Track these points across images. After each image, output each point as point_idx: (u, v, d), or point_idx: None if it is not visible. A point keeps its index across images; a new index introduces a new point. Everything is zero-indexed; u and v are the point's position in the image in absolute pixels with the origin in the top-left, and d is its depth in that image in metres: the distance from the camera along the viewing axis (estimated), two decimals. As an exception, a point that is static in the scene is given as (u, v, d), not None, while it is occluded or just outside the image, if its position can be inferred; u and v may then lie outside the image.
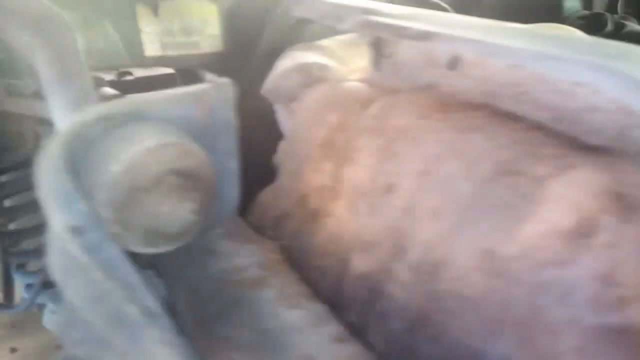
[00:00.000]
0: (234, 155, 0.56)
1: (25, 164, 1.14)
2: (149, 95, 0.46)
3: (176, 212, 0.43)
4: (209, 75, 0.52)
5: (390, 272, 0.42)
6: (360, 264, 0.45)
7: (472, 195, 0.38)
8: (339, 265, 0.48)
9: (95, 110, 0.43)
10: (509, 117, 0.43)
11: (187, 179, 0.45)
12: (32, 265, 1.29)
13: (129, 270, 0.36)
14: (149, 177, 0.44)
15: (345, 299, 0.46)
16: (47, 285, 1.20)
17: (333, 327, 0.37)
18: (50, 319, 1.37)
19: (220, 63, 1.34)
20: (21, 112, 1.03)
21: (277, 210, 0.61)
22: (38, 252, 1.25)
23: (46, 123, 1.07)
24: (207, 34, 1.23)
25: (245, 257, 0.48)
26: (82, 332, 0.42)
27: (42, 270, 1.20)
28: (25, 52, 0.80)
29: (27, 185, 1.15)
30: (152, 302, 0.35)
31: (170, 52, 1.24)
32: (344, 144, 0.52)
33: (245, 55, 1.29)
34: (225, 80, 0.52)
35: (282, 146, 0.77)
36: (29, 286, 1.30)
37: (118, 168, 0.43)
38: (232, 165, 0.56)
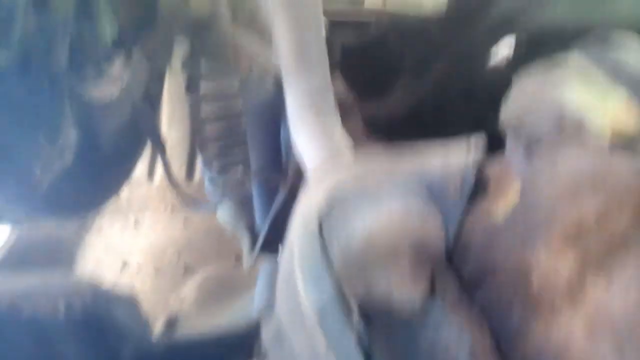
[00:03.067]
0: (461, 207, 0.52)
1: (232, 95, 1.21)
2: (406, 160, 0.44)
3: (405, 291, 0.42)
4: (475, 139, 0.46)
5: None
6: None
7: None
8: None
9: (353, 176, 0.41)
10: None
11: (423, 252, 0.43)
12: (217, 165, 1.41)
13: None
14: (388, 245, 0.43)
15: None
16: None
17: None
18: (223, 213, 1.53)
19: (440, 27, 1.24)
20: (241, 42, 1.06)
21: (483, 261, 0.57)
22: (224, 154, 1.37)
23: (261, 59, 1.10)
24: (433, -5, 1.13)
25: (453, 332, 0.47)
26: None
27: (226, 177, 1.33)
28: (269, 8, 0.79)
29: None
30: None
31: (390, 8, 1.17)
32: (601, 246, 0.46)
33: (470, 23, 1.17)
34: (481, 139, 0.46)
35: (505, 176, 0.70)
36: (211, 180, 1.44)
37: (359, 232, 0.42)
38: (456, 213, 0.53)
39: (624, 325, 0.40)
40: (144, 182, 1.84)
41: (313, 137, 0.54)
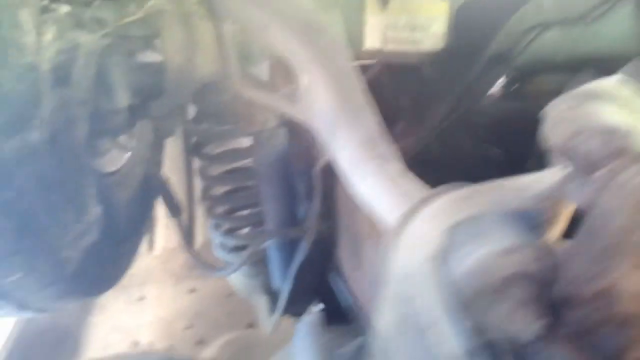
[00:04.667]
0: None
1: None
2: (508, 191, 0.44)
3: (521, 322, 0.41)
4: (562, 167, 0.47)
5: None
6: None
7: None
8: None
9: (461, 211, 0.41)
10: None
11: (535, 285, 0.43)
12: (228, 227, 1.38)
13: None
14: (497, 280, 0.42)
15: None
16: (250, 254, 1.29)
17: None
18: (237, 276, 1.49)
19: (439, 62, 1.29)
20: (253, 99, 1.07)
21: (564, 289, 0.57)
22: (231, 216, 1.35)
23: (275, 114, 1.11)
24: (432, 31, 1.18)
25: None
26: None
27: (249, 241, 1.30)
28: (296, 65, 0.80)
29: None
30: None
31: (390, 47, 1.22)
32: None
33: (469, 56, 1.22)
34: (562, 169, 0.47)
35: (558, 202, 0.71)
36: (221, 243, 1.41)
37: (467, 267, 0.41)
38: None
39: None
40: (144, 254, 1.78)
41: (382, 186, 0.54)
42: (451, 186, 0.47)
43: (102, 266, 1.02)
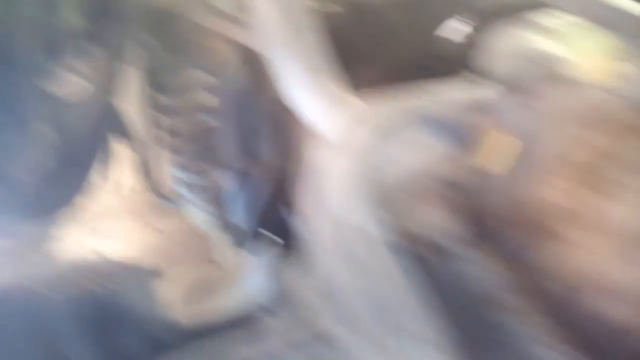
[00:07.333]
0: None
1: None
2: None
3: (445, 226, 0.43)
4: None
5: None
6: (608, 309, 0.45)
7: None
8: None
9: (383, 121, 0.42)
10: None
11: (458, 193, 0.45)
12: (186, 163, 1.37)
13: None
14: (428, 185, 0.44)
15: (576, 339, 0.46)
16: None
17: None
18: (198, 216, 1.49)
19: (407, 5, 1.27)
20: (216, 30, 1.05)
21: (487, 209, 0.59)
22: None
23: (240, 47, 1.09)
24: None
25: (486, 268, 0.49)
26: (343, 313, 0.45)
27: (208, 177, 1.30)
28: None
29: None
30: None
31: None
32: (610, 176, 0.49)
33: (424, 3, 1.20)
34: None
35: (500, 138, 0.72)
36: (180, 181, 1.40)
37: (397, 171, 0.43)
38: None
39: None
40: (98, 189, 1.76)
41: (325, 100, 0.54)
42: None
43: (57, 189, 1.02)
